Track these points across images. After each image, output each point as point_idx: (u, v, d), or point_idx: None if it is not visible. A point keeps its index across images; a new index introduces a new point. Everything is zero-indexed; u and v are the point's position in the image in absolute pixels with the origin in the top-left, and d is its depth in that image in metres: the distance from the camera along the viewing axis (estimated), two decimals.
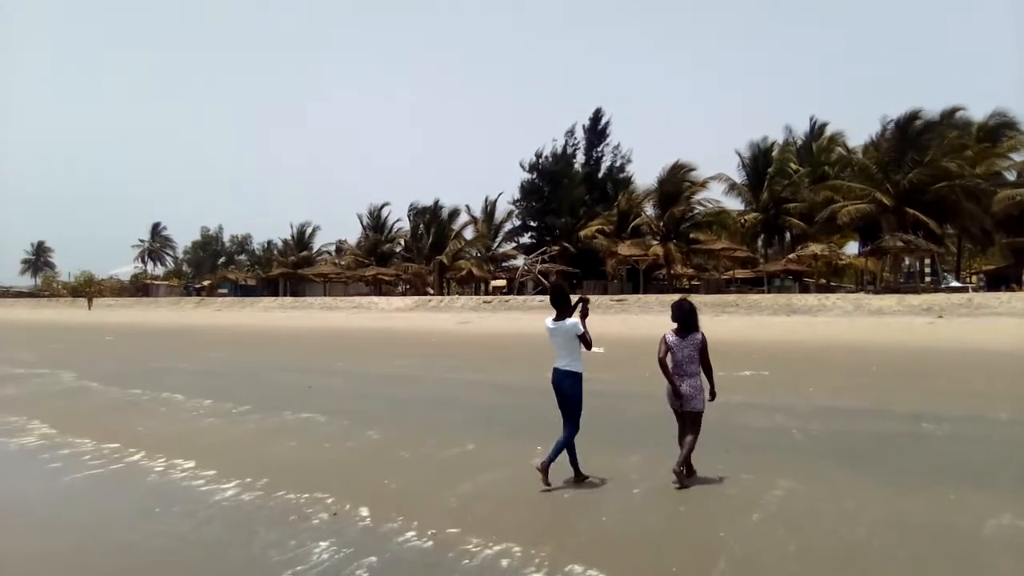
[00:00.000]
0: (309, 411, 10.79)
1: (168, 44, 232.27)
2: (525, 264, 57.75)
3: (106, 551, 5.39)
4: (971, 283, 49.89)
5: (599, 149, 64.38)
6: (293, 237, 76.73)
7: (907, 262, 48.80)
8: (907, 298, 32.68)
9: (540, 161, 62.33)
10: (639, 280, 51.10)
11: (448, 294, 60.87)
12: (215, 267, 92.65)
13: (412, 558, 4.92)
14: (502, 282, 63.16)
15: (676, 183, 52.88)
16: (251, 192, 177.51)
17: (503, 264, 66.47)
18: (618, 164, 64.10)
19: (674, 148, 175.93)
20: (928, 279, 49.15)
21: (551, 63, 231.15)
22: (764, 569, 4.65)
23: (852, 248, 56.09)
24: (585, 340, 6.62)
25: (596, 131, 64.03)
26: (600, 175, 63.68)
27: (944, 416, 9.70)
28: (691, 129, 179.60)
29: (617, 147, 64.38)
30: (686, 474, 6.62)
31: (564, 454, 6.72)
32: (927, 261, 50.21)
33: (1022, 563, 4.66)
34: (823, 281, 49.32)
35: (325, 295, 64.38)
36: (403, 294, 63.38)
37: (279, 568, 4.77)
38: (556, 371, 6.75)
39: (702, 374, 6.78)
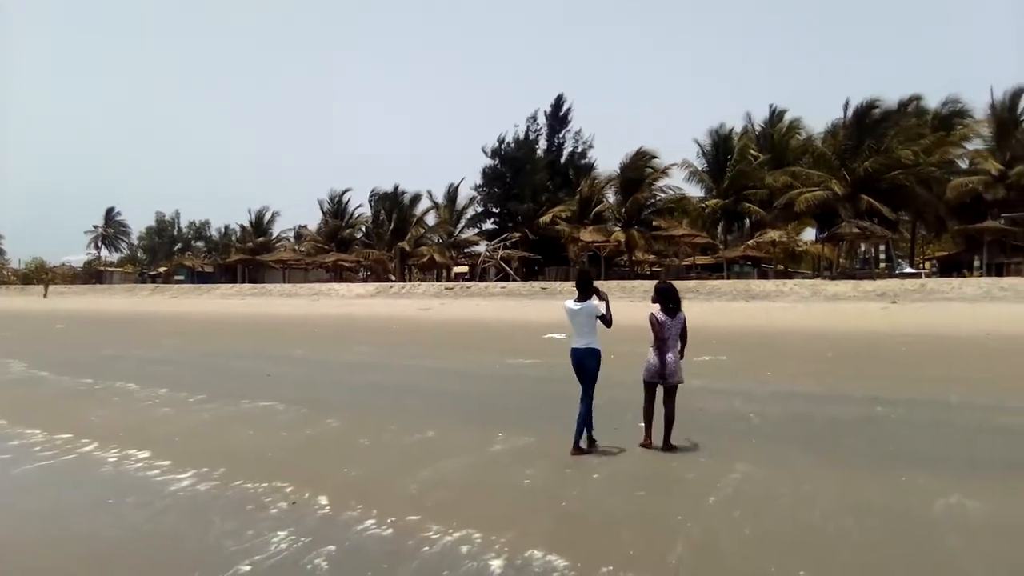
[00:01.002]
0: (267, 399, 10.64)
1: (125, 26, 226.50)
2: (487, 250, 57.71)
3: (59, 543, 5.25)
4: (924, 269, 50.98)
5: (561, 135, 64.55)
6: (251, 223, 75.62)
7: (863, 248, 49.83)
8: (862, 284, 33.35)
9: (502, 147, 62.26)
10: (601, 266, 51.35)
11: (409, 280, 60.61)
12: (171, 253, 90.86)
13: (371, 546, 4.88)
14: (464, 268, 63.05)
15: (638, 170, 53.21)
16: (209, 177, 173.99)
17: (465, 250, 66.34)
18: (580, 150, 64.36)
19: (636, 135, 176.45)
20: (883, 265, 50.20)
21: (513, 49, 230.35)
22: (721, 552, 4.69)
23: (809, 234, 56.97)
24: (606, 319, 7.21)
25: (558, 117, 64.09)
26: (562, 161, 63.81)
27: (897, 400, 9.90)
28: (653, 116, 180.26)
29: (578, 133, 64.64)
30: (666, 446, 7.22)
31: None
32: (882, 247, 51.22)
33: (968, 541, 4.76)
34: (781, 267, 50.09)
35: (284, 282, 63.75)
36: (364, 281, 62.93)
37: (236, 558, 4.69)
38: (577, 350, 7.30)
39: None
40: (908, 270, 45.36)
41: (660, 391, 7.36)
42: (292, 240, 77.33)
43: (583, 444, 7.22)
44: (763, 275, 47.65)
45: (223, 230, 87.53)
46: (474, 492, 6.06)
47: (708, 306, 27.89)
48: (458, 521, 5.22)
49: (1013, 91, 45.54)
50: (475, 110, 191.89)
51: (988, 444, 7.55)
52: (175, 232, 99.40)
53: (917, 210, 47.19)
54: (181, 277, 77.45)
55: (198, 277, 76.06)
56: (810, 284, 35.36)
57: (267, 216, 75.63)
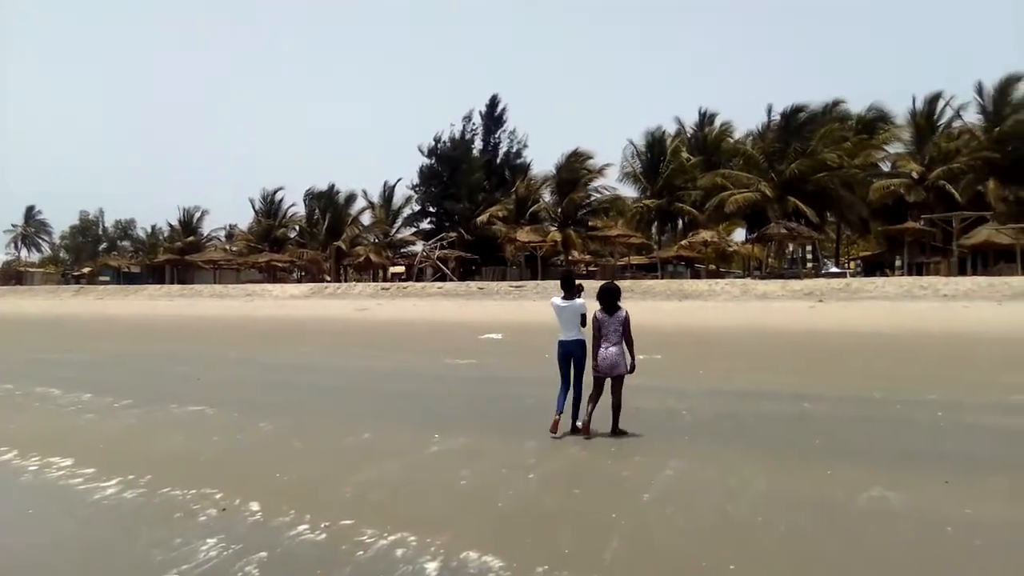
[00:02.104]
0: (197, 404, 10.37)
1: (46, 14, 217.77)
2: (424, 250, 57.39)
3: None
4: (849, 269, 52.77)
5: (496, 135, 64.62)
6: (181, 221, 73.56)
7: (790, 248, 51.17)
8: (790, 283, 34.32)
9: (439, 146, 62.02)
10: (537, 266, 51.61)
11: (345, 281, 59.89)
12: (96, 253, 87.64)
13: (304, 552, 4.80)
14: (401, 268, 62.61)
15: (574, 170, 53.72)
16: (135, 175, 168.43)
17: (402, 250, 65.88)
18: (515, 150, 64.51)
19: (571, 136, 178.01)
20: (810, 265, 51.66)
21: (449, 49, 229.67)
22: (654, 546, 4.77)
23: (740, 235, 58.35)
24: (584, 319, 7.95)
25: (493, 117, 64.15)
26: (498, 161, 63.89)
27: (823, 396, 10.22)
28: (588, 117, 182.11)
29: (513, 132, 64.75)
30: (620, 431, 7.84)
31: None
32: (809, 248, 52.72)
33: (888, 532, 4.93)
34: (713, 267, 51.19)
35: (215, 283, 62.22)
36: (298, 281, 61.99)
37: (163, 567, 4.55)
38: (566, 342, 8.02)
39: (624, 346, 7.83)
40: (834, 270, 46.86)
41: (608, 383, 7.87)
42: (223, 240, 75.54)
43: (578, 423, 7.98)
44: (696, 275, 48.61)
45: (150, 229, 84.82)
46: (410, 494, 6.01)
47: (643, 305, 28.25)
48: (393, 524, 5.17)
49: (931, 97, 47.51)
50: (409, 109, 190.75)
51: (908, 437, 7.84)
52: (100, 231, 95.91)
53: (841, 211, 48.82)
54: (106, 278, 74.90)
55: (124, 278, 73.69)
56: (741, 284, 36.23)
57: (197, 215, 73.74)
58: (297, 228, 69.91)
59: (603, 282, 8.22)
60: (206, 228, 74.70)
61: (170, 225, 75.56)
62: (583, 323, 7.96)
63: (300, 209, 69.43)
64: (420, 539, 4.90)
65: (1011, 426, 8.25)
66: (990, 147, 44.40)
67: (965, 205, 42.58)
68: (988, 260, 42.74)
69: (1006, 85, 45.78)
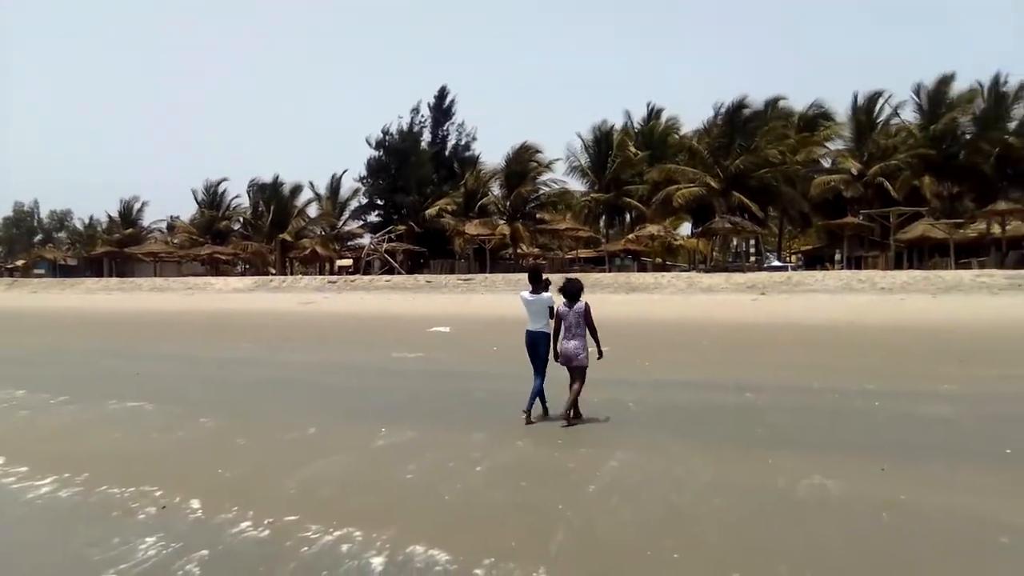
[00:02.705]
0: (136, 399, 10.10)
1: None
2: (372, 243, 56.91)
3: None
4: (791, 262, 53.93)
5: (445, 127, 64.43)
6: (120, 213, 71.55)
7: (735, 243, 52.16)
8: (734, 276, 34.97)
9: (387, 138, 61.49)
10: (486, 259, 51.59)
11: (291, 274, 59.08)
12: (30, 245, 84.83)
13: (247, 549, 4.71)
14: (348, 261, 62.00)
15: (523, 163, 53.82)
16: (71, 164, 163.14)
17: (349, 243, 65.29)
18: (464, 143, 64.38)
19: (521, 130, 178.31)
20: (753, 259, 52.67)
21: (399, 38, 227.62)
22: (599, 538, 4.80)
23: (686, 229, 59.16)
24: (552, 312, 8.37)
25: (441, 109, 63.89)
26: (447, 153, 63.65)
27: (765, 386, 10.42)
28: (537, 111, 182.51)
29: (462, 125, 64.55)
30: (573, 417, 8.16)
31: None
32: (752, 242, 53.75)
33: (828, 518, 5.06)
34: (659, 260, 51.81)
35: (155, 276, 60.76)
36: (242, 274, 60.90)
37: (101, 567, 4.43)
38: (532, 333, 8.41)
39: (588, 337, 8.26)
40: (776, 263, 47.91)
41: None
42: (164, 232, 73.75)
43: (534, 417, 8.26)
44: (642, 268, 49.14)
45: (88, 221, 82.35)
46: (355, 489, 5.95)
47: (591, 298, 28.09)
48: (338, 520, 5.12)
49: (870, 95, 48.85)
50: (358, 100, 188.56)
51: (846, 426, 8.05)
52: (34, 223, 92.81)
53: (784, 206, 49.96)
54: (41, 271, 72.61)
55: (61, 271, 71.43)
56: (686, 277, 36.77)
57: (136, 206, 71.82)
58: (241, 220, 68.63)
59: (567, 276, 8.61)
60: (146, 220, 72.98)
61: (109, 216, 73.49)
62: (551, 315, 8.36)
63: (244, 201, 68.28)
64: (366, 534, 4.86)
65: (944, 414, 8.52)
66: (926, 145, 45.90)
67: (902, 201, 43.89)
68: (923, 254, 44.14)
69: (941, 85, 47.34)
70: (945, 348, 14.90)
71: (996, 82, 46.95)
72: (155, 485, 6.03)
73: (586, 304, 8.30)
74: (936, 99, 47.48)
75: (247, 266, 65.60)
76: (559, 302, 8.33)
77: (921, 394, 9.77)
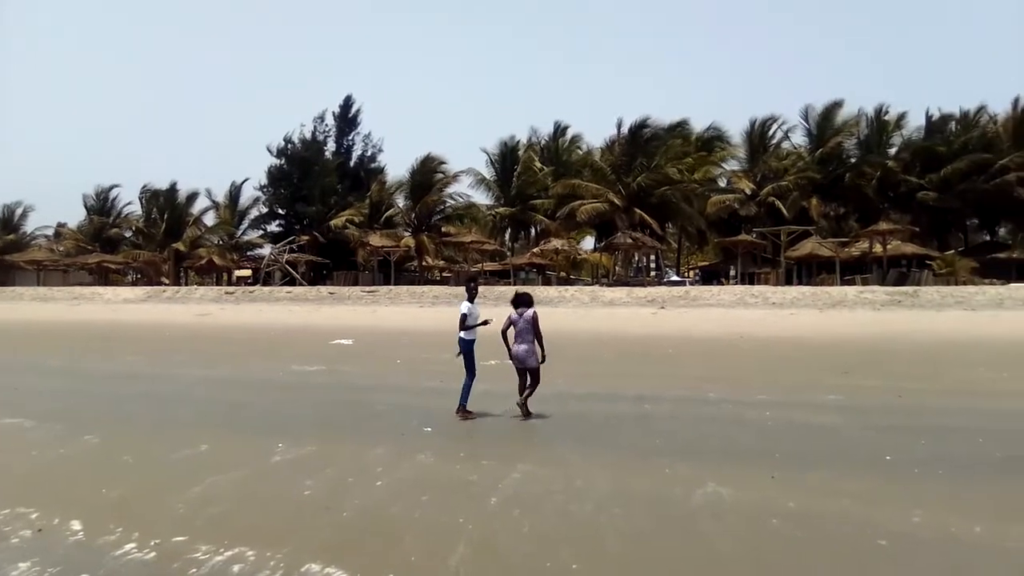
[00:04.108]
0: (14, 416, 9.51)
1: None
2: (272, 253, 55.39)
3: None
4: (689, 277, 55.54)
5: (350, 137, 63.39)
6: (1, 218, 67.21)
7: (636, 258, 53.32)
8: (635, 290, 35.79)
9: (289, 146, 60.03)
10: (390, 271, 51.05)
11: (186, 284, 56.93)
12: None
13: (131, 572, 4.47)
14: (247, 272, 60.18)
15: (428, 174, 53.65)
16: None
17: (248, 253, 63.34)
18: (369, 153, 63.54)
19: (426, 142, 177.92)
20: (653, 273, 53.96)
21: (302, 48, 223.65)
22: (501, 551, 4.79)
23: (589, 243, 60.19)
24: (486, 322, 9.47)
25: (347, 119, 62.87)
26: (352, 163, 62.64)
27: (664, 397, 10.69)
28: (443, 124, 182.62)
29: (368, 136, 63.73)
30: (525, 415, 9.13)
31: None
32: (652, 257, 55.10)
33: (721, 526, 5.21)
34: (564, 274, 52.43)
35: (39, 284, 57.38)
36: (134, 284, 58.26)
37: None
38: (468, 341, 9.40)
39: (536, 343, 9.22)
40: (675, 278, 49.21)
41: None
42: (50, 239, 69.75)
43: (462, 408, 9.20)
44: (547, 281, 49.61)
45: None
46: (249, 507, 5.75)
47: (496, 311, 28.38)
48: (230, 539, 4.92)
49: (763, 119, 51.22)
50: (258, 107, 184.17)
51: (739, 436, 8.32)
52: None
53: (682, 223, 51.58)
54: None
55: None
56: (589, 291, 37.38)
57: (19, 211, 67.62)
58: (133, 228, 65.59)
59: (517, 288, 9.14)
60: (30, 226, 68.70)
61: None
62: (485, 323, 9.47)
63: (137, 208, 65.38)
64: (259, 553, 4.69)
65: (830, 423, 8.93)
66: (813, 167, 48.38)
67: (792, 220, 45.97)
68: (812, 271, 46.25)
69: (828, 111, 50.04)
70: (831, 360, 15.63)
71: (878, 110, 50.08)
72: (31, 506, 5.67)
73: (534, 313, 9.28)
74: (823, 124, 50.18)
75: (139, 276, 62.78)
76: (511, 310, 9.43)
77: (809, 404, 10.21)
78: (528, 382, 9.26)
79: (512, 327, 9.31)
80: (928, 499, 5.78)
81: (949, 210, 46.99)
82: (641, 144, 49.18)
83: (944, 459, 7.06)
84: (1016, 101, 47.00)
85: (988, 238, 52.06)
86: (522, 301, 9.39)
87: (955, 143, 47.56)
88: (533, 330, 9.19)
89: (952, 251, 46.53)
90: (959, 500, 5.79)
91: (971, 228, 54.13)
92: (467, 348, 9.42)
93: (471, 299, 9.57)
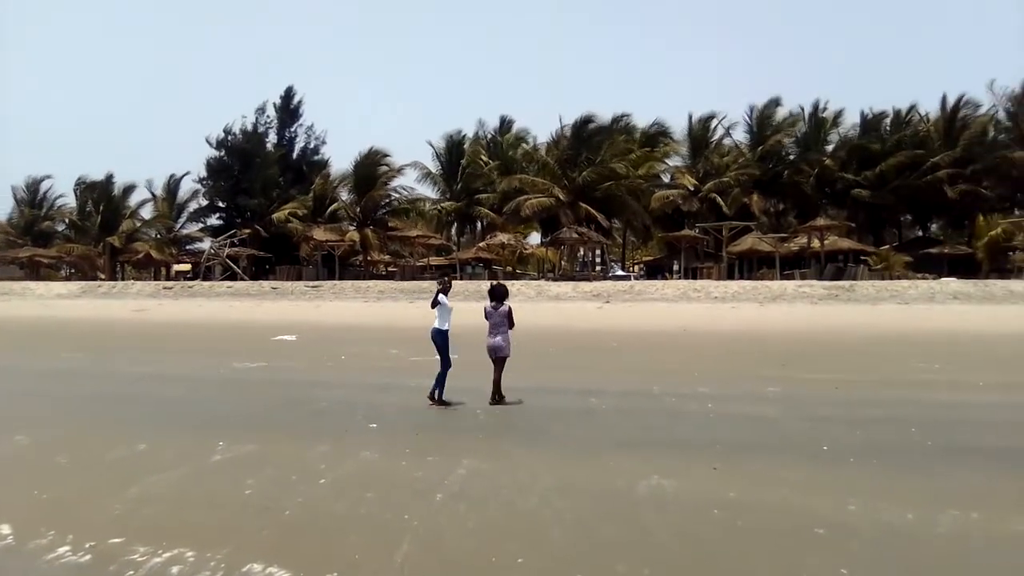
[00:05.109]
0: None
1: None
2: (212, 247, 54.23)
3: None
4: (633, 272, 56.22)
5: (292, 129, 62.24)
6: None
7: (581, 252, 53.68)
8: (581, 285, 36.04)
9: (229, 137, 58.68)
10: (335, 266, 50.48)
11: (123, 279, 55.42)
12: None
13: None
14: (186, 266, 58.86)
15: (372, 168, 53.12)
16: None
17: (187, 247, 61.93)
18: (312, 146, 62.54)
19: (371, 138, 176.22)
20: (599, 268, 54.47)
21: (244, 37, 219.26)
22: (446, 546, 4.77)
23: (535, 238, 60.41)
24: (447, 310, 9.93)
25: (289, 110, 61.73)
26: (294, 156, 61.58)
27: (609, 391, 10.77)
28: (388, 119, 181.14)
29: (311, 128, 62.72)
30: (499, 400, 9.68)
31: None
32: (598, 252, 55.60)
33: (664, 517, 5.28)
34: (510, 269, 52.54)
35: None
36: (67, 279, 56.41)
37: None
38: (442, 331, 9.83)
39: (510, 333, 9.83)
40: (620, 273, 49.77)
41: None
42: None
43: (438, 397, 9.68)
44: (493, 276, 49.61)
45: None
46: (189, 507, 5.62)
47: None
48: (169, 540, 4.80)
49: (705, 116, 52.01)
50: (198, 98, 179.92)
51: (682, 428, 8.45)
52: None
53: (627, 218, 52.10)
54: None
55: None
56: (536, 285, 37.50)
57: None
58: (67, 221, 63.51)
59: (493, 281, 9.72)
60: None
61: None
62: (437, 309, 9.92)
63: (71, 200, 63.30)
64: (199, 554, 4.59)
65: (769, 414, 9.12)
66: (754, 164, 49.37)
67: (733, 216, 46.87)
68: (753, 266, 47.28)
69: (768, 108, 51.07)
70: (771, 353, 15.98)
71: (816, 108, 51.31)
72: None
73: (509, 307, 9.77)
74: (763, 122, 51.23)
75: (73, 270, 60.88)
76: (486, 303, 9.94)
77: (749, 396, 10.41)
78: (497, 369, 9.76)
79: (488, 317, 9.83)
80: (863, 488, 5.94)
81: (883, 206, 48.48)
82: (586, 139, 49.53)
83: (878, 449, 7.27)
84: (944, 100, 48.70)
85: (921, 234, 53.94)
86: (497, 294, 9.84)
87: (889, 141, 49.06)
88: (507, 323, 9.72)
89: (887, 247, 47.96)
90: (892, 488, 5.96)
91: (905, 224, 56.02)
92: (443, 340, 9.77)
93: (446, 293, 10.00)
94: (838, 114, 51.74)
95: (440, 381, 9.68)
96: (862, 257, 44.24)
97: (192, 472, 6.58)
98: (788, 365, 13.64)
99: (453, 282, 11.00)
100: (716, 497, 5.69)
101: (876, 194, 47.05)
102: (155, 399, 10.83)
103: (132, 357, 16.40)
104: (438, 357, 9.79)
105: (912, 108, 51.21)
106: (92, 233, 58.81)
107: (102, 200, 59.62)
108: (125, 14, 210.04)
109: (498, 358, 9.73)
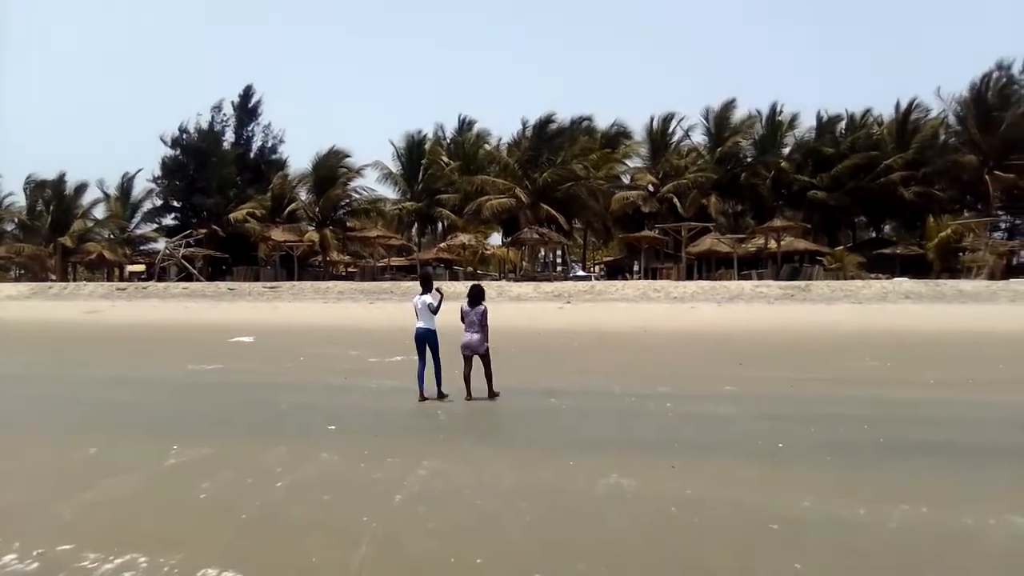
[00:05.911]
0: None
1: None
2: (167, 247, 53.23)
3: None
4: (594, 272, 56.51)
5: (250, 128, 61.25)
6: None
7: (542, 253, 53.86)
8: (542, 285, 36.10)
9: (184, 136, 57.60)
10: (293, 266, 49.91)
11: (75, 280, 54.15)
12: None
13: None
14: (141, 267, 57.67)
15: (331, 168, 52.64)
16: None
17: (142, 247, 60.70)
18: (270, 145, 61.66)
19: (331, 135, 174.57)
20: (560, 268, 54.68)
21: (199, 35, 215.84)
22: (405, 549, 4.73)
23: (496, 239, 60.40)
24: (434, 308, 10.24)
25: (247, 109, 60.75)
26: (252, 155, 60.64)
27: (570, 391, 10.81)
28: (348, 117, 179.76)
29: (268, 127, 61.86)
30: (493, 396, 10.05)
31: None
32: (559, 252, 55.82)
33: (623, 515, 5.31)
34: (471, 269, 52.44)
35: None
36: (16, 280, 54.95)
37: None
38: (419, 329, 10.23)
39: (486, 331, 10.21)
40: (581, 273, 50.02)
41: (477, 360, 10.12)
42: None
43: (427, 395, 10.01)
44: (454, 276, 49.54)
45: None
46: (142, 512, 5.50)
47: (402, 307, 28.22)
48: (121, 546, 4.69)
49: (663, 117, 52.44)
50: (155, 95, 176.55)
51: (641, 427, 8.52)
52: None
53: (588, 219, 52.39)
54: None
55: None
56: (496, 286, 37.45)
57: None
58: (16, 221, 61.80)
59: (471, 282, 10.02)
60: None
61: None
62: (434, 311, 10.23)
63: (20, 199, 61.62)
64: (152, 560, 4.50)
65: (726, 413, 9.23)
66: (712, 166, 50.00)
67: (691, 217, 47.38)
68: (711, 266, 47.84)
69: (726, 110, 51.73)
70: (728, 352, 16.16)
71: (773, 110, 52.14)
72: None
73: (485, 308, 10.25)
74: (721, 123, 51.87)
75: (22, 271, 59.29)
76: (463, 303, 10.31)
77: (707, 395, 10.52)
78: (470, 368, 10.12)
79: (465, 316, 10.23)
80: (817, 484, 6.04)
81: (838, 208, 49.40)
82: (547, 140, 49.68)
83: (832, 446, 7.40)
84: (897, 105, 49.82)
85: (874, 234, 55.06)
86: (475, 296, 10.29)
87: (843, 144, 50.02)
88: (482, 322, 10.13)
89: (841, 247, 48.89)
90: (845, 484, 6.07)
91: (859, 225, 57.21)
92: (431, 337, 10.17)
93: (428, 292, 10.32)
94: (794, 117, 52.73)
95: (437, 377, 10.12)
96: (817, 257, 45.04)
97: (145, 476, 6.44)
98: (745, 364, 13.82)
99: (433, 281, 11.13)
100: (674, 495, 5.73)
101: (831, 196, 47.94)
102: (107, 402, 10.59)
103: (84, 359, 16.04)
104: (415, 357, 10.34)
105: (866, 112, 52.36)
106: (43, 233, 57.32)
107: (53, 199, 58.15)
108: (78, 6, 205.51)
109: (472, 355, 10.09)
